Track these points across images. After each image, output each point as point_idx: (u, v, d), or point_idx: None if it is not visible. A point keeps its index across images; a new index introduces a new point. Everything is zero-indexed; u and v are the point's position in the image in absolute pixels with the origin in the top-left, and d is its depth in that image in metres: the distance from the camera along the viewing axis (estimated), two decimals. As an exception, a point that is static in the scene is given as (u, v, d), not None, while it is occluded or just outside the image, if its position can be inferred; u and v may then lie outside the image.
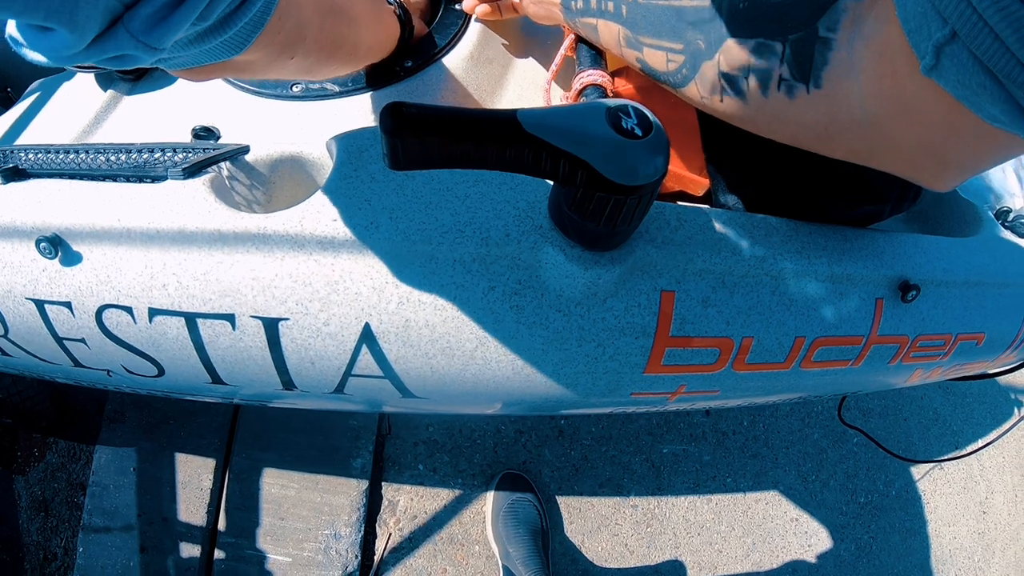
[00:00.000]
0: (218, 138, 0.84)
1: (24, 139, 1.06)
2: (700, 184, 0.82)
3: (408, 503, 1.62)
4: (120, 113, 0.99)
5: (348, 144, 0.63)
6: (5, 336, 0.81)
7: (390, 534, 1.59)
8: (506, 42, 0.95)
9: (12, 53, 1.12)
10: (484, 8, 0.93)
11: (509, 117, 0.47)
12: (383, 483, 1.63)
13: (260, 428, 1.61)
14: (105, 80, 1.03)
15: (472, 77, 0.88)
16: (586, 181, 0.49)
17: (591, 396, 0.70)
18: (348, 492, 1.56)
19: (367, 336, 0.61)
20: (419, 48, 0.89)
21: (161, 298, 0.64)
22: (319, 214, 0.59)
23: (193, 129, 0.84)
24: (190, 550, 1.56)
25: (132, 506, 1.63)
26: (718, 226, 0.64)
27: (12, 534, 1.72)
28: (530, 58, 0.96)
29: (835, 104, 0.48)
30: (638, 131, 0.48)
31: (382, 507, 1.61)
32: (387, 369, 0.65)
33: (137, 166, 0.71)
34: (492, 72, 0.91)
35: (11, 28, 0.44)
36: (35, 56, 0.43)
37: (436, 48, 0.88)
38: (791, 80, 0.50)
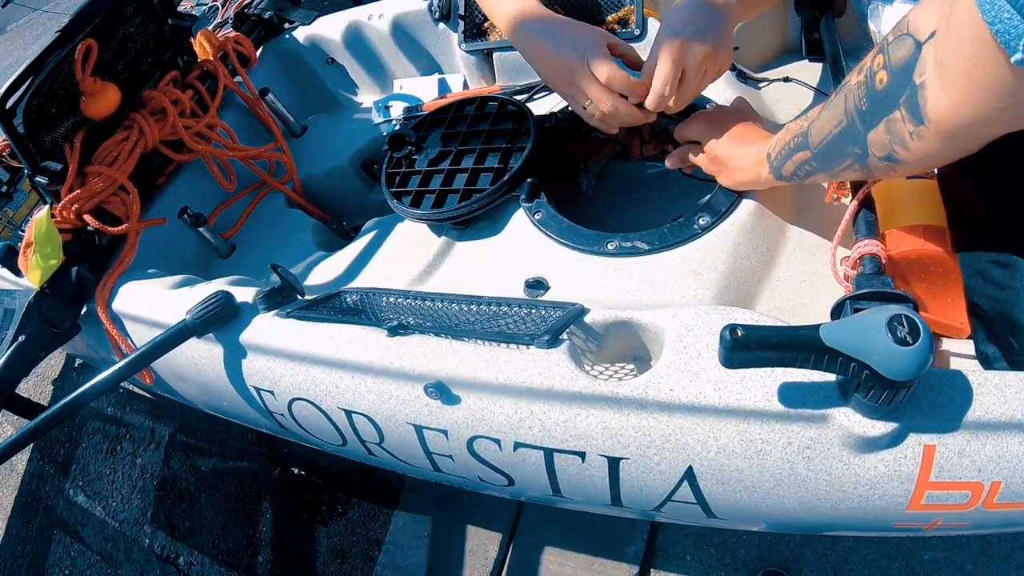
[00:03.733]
0: (547, 289, 1.09)
1: (368, 274, 1.38)
2: (962, 330, 0.96)
3: (673, 591, 1.80)
4: (452, 258, 1.29)
5: (677, 325, 0.86)
6: (379, 444, 1.10)
7: (654, 618, 1.78)
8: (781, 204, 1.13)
9: (346, 193, 1.51)
10: (673, 160, 1.16)
11: (814, 335, 0.67)
12: (652, 569, 1.81)
13: (546, 510, 1.87)
14: (437, 227, 1.33)
15: (759, 229, 1.07)
16: (869, 377, 0.68)
17: (859, 525, 0.88)
18: (620, 575, 1.77)
19: (689, 475, 0.83)
20: (711, 205, 1.09)
21: (527, 435, 0.90)
22: (659, 384, 0.82)
23: (526, 280, 1.11)
24: (470, 611, 1.84)
25: (422, 566, 1.96)
26: (974, 387, 0.77)
27: (308, 574, 2.14)
28: (802, 209, 1.13)
29: (946, 127, 0.64)
30: (909, 339, 0.66)
31: (648, 592, 1.81)
32: (700, 499, 0.86)
33: (498, 327, 0.97)
34: (774, 222, 1.09)
35: None
36: None
37: (726, 206, 1.09)
38: (916, 129, 0.66)
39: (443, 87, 1.66)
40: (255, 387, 1.18)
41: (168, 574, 2.26)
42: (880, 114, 0.70)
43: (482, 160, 1.27)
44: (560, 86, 1.13)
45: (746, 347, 0.67)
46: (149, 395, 2.64)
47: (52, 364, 2.94)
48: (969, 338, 0.96)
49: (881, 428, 0.75)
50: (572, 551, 1.83)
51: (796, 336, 0.68)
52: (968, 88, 0.58)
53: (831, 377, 0.79)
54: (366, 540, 2.12)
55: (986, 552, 1.75)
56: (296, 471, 2.27)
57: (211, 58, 1.70)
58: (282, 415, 1.19)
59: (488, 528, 1.92)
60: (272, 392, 1.16)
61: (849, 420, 0.76)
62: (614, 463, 0.86)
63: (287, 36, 1.88)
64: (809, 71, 1.37)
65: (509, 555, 1.88)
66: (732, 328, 0.67)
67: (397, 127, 1.41)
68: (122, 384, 2.61)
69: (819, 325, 0.68)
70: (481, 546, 1.89)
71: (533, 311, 1.00)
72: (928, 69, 0.61)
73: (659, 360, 0.85)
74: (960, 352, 0.97)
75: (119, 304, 1.39)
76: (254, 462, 2.36)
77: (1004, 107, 0.57)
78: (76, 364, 2.87)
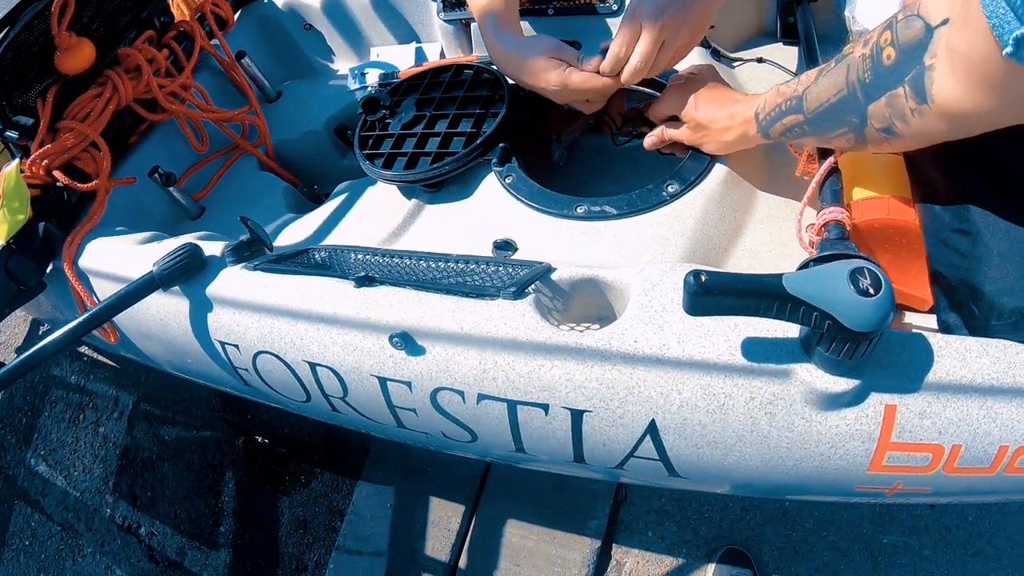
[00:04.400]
0: (515, 250, 1.09)
1: (337, 235, 1.37)
2: (924, 302, 0.98)
3: (634, 566, 1.80)
4: (422, 220, 1.28)
5: (643, 280, 0.86)
6: (342, 399, 1.09)
7: (613, 592, 1.79)
8: (752, 169, 1.14)
9: (319, 158, 1.50)
10: (651, 140, 1.17)
11: (777, 282, 0.67)
12: (614, 544, 1.83)
13: (509, 482, 1.89)
14: (408, 190, 1.32)
15: (727, 198, 1.08)
16: (831, 328, 0.68)
17: (821, 487, 0.88)
18: (581, 549, 1.77)
19: (652, 428, 0.83)
20: (680, 173, 1.10)
21: (490, 387, 0.90)
22: (624, 335, 0.82)
23: (495, 241, 1.10)
24: (430, 581, 1.85)
25: (384, 536, 1.96)
26: (935, 350, 0.78)
27: (270, 544, 2.13)
28: (772, 180, 1.14)
29: (950, 111, 0.66)
30: (871, 290, 0.67)
31: (609, 566, 1.81)
32: (662, 454, 0.86)
33: (464, 282, 0.97)
34: (743, 192, 1.10)
35: None
36: None
37: (695, 174, 1.09)
38: (918, 107, 0.69)
39: (420, 56, 1.64)
40: (220, 341, 1.16)
41: (129, 544, 2.24)
42: (883, 88, 0.72)
43: (455, 125, 1.27)
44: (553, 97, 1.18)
45: (710, 292, 0.67)
46: (112, 361, 2.62)
47: (16, 331, 2.90)
48: (931, 311, 0.97)
49: (843, 384, 0.76)
50: (535, 524, 1.84)
51: (759, 283, 0.68)
52: (971, 78, 0.61)
53: (794, 334, 0.79)
54: (328, 511, 2.12)
55: (945, 538, 1.77)
56: (260, 439, 2.25)
57: (188, 19, 1.68)
58: (246, 370, 1.18)
59: (451, 500, 1.92)
60: (237, 346, 1.14)
61: (811, 376, 0.77)
62: (577, 416, 0.86)
63: (266, 0, 1.86)
64: (783, 53, 1.38)
65: (472, 527, 1.89)
66: (696, 273, 0.67)
67: (372, 92, 1.40)
68: (86, 350, 2.61)
69: (783, 274, 0.69)
70: (444, 517, 1.89)
71: (500, 268, 0.99)
72: (940, 53, 0.63)
73: (624, 313, 0.85)
74: (922, 325, 0.98)
75: (86, 260, 1.36)
76: (218, 431, 2.35)
77: (1001, 98, 0.61)
78: (40, 331, 2.83)
